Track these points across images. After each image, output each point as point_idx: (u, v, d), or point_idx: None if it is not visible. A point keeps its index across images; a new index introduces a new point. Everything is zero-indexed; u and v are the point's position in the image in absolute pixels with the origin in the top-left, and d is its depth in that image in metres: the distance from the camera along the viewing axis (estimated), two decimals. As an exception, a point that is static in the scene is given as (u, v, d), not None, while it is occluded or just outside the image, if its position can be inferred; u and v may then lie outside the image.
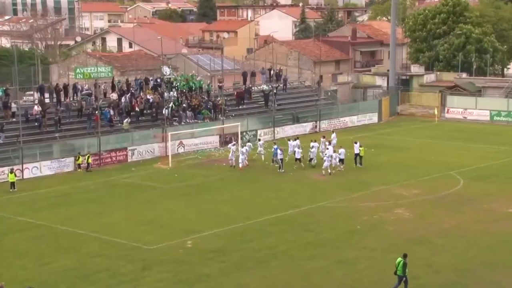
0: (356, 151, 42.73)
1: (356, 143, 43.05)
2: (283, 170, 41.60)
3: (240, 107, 57.25)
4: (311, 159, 43.01)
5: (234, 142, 45.30)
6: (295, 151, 43.14)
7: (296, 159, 42.69)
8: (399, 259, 23.05)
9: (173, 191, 37.92)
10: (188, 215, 32.93)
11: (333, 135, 47.08)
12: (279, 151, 42.10)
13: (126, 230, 30.57)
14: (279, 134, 53.57)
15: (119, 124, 48.96)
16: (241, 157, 43.07)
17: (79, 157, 43.05)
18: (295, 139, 45.46)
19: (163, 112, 49.60)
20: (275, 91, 57.95)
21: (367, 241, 28.58)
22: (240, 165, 42.56)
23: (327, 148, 42.32)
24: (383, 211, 33.20)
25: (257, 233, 29.75)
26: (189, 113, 52.06)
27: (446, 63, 72.95)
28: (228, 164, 43.54)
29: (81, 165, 43.04)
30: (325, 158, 40.89)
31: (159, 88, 53.65)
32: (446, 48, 72.83)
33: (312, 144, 43.60)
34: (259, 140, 47.85)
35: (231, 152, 43.32)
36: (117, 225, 31.45)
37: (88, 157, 43.24)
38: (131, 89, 52.64)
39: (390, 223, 31.28)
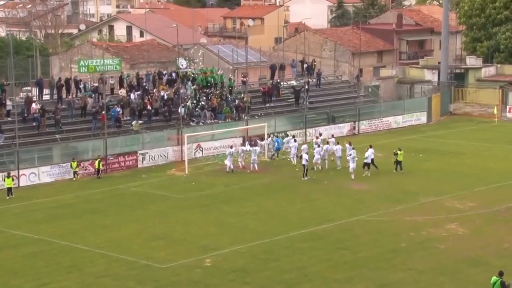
0: (370, 158, 42.93)
1: (370, 147, 43.59)
2: (307, 178, 42.03)
3: (267, 105, 57.46)
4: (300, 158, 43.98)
5: (232, 145, 46.03)
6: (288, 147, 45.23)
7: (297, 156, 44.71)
8: (494, 278, 22.69)
9: (189, 201, 38.13)
10: (207, 229, 33.10)
11: (332, 139, 47.67)
12: (302, 154, 42.69)
13: (136, 246, 30.81)
14: (311, 136, 53.45)
15: (129, 125, 49.40)
16: (252, 157, 44.15)
17: (74, 163, 43.14)
18: (291, 137, 47.38)
19: (179, 110, 49.95)
20: (307, 87, 57.97)
21: (414, 261, 28.48)
22: (253, 166, 43.91)
23: (350, 153, 42.94)
24: (433, 226, 33.06)
25: (286, 251, 29.82)
26: (208, 112, 52.51)
27: (508, 54, 72.21)
28: (253, 170, 44.00)
29: (78, 173, 43.27)
30: (348, 158, 42.20)
31: (174, 84, 54.03)
32: (508, 36, 72.11)
33: (315, 141, 45.85)
34: (293, 137, 47.99)
35: (227, 157, 44.22)
36: (125, 240, 31.70)
37: (99, 161, 43.57)
38: (143, 84, 53.10)
39: (441, 240, 31.16)
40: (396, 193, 38.97)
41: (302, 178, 42.12)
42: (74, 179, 43.06)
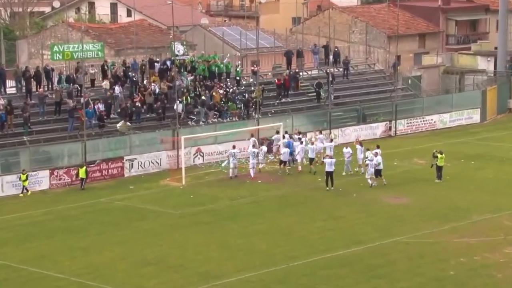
0: (360, 155, 44.54)
1: (378, 148, 44.33)
2: (330, 188, 42.17)
3: (283, 100, 57.49)
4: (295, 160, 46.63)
5: (234, 145, 46.43)
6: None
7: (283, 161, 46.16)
8: None
9: (187, 218, 38.14)
10: (208, 253, 33.08)
11: (320, 136, 48.98)
12: (325, 159, 43.11)
13: (122, 273, 30.78)
14: (338, 139, 53.50)
15: (113, 125, 49.50)
16: (251, 160, 44.87)
17: (24, 175, 42.61)
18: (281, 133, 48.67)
19: (174, 107, 50.03)
20: (331, 78, 57.97)
21: (464, 293, 28.45)
22: (252, 172, 45.05)
23: (367, 157, 43.71)
24: (489, 250, 32.94)
25: (305, 280, 29.73)
26: (210, 109, 52.59)
27: None
28: (265, 181, 44.22)
29: (27, 188, 42.79)
30: (367, 161, 43.21)
31: (168, 74, 54.14)
32: None
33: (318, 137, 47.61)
34: (300, 139, 48.12)
35: (230, 158, 44.97)
36: (108, 266, 31.67)
37: (84, 169, 43.72)
38: (130, 75, 53.23)
39: (498, 267, 31.00)
40: (442, 208, 38.88)
41: (327, 189, 42.19)
42: (22, 195, 42.66)
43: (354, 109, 57.67)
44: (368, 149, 44.80)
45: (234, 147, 46.04)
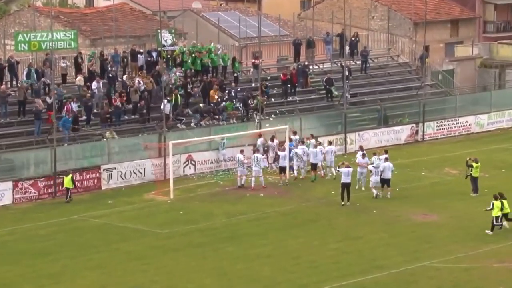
0: (361, 160, 44.81)
1: (362, 151, 45.29)
2: (346, 203, 42.31)
3: (289, 98, 57.55)
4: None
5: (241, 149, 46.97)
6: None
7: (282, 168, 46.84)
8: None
9: (176, 239, 38.09)
10: (201, 280, 32.99)
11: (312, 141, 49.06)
12: (340, 168, 43.17)
13: (98, 304, 30.78)
14: (354, 144, 53.50)
15: (88, 128, 49.52)
16: (254, 168, 45.27)
17: None
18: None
19: (161, 107, 50.06)
20: (347, 72, 57.94)
21: (506, 328, 28.39)
22: (253, 183, 45.62)
23: (372, 162, 44.25)
24: (534, 277, 32.93)
25: (317, 312, 29.70)
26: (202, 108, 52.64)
27: None
28: (271, 193, 44.29)
29: None
30: (371, 168, 43.76)
31: (154, 68, 54.09)
32: None
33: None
34: (302, 141, 48.47)
35: (241, 162, 45.47)
36: (82, 295, 31.59)
37: (70, 178, 43.76)
38: (109, 69, 53.20)
39: (546, 297, 30.97)
40: (479, 228, 38.75)
41: (342, 204, 42.27)
42: None
43: (374, 109, 57.67)
44: (375, 153, 45.13)
45: (242, 151, 46.44)
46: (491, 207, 38.05)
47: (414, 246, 36.54)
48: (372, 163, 43.97)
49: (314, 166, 47.29)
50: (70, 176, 43.84)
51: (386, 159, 43.91)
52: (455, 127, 59.39)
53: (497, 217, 38.11)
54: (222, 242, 37.43)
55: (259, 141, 49.29)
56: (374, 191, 43.32)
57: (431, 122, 58.29)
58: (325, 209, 42.25)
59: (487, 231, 38.10)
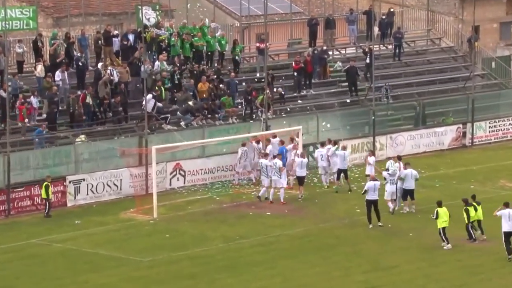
0: (369, 172, 45.63)
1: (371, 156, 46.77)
2: (378, 224, 42.51)
3: (304, 92, 57.66)
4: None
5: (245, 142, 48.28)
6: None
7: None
8: None
9: (161, 269, 37.99)
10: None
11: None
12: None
13: None
14: (385, 150, 53.67)
15: (52, 131, 49.27)
16: (273, 177, 46.13)
17: None
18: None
19: (142, 104, 50.13)
20: (366, 62, 57.91)
21: None
22: (271, 196, 46.63)
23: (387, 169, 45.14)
24: None
25: None
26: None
27: None
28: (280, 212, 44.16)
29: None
30: (385, 174, 44.62)
31: (132, 54, 53.92)
32: None
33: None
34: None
35: (264, 167, 46.44)
36: None
37: (46, 187, 44.21)
38: (77, 55, 53.10)
39: None
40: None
41: (370, 226, 42.33)
42: None
43: (410, 106, 57.91)
44: (389, 158, 45.71)
45: (266, 155, 47.21)
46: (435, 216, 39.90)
47: (460, 278, 36.41)
48: (387, 169, 44.11)
49: (339, 174, 48.06)
50: (44, 184, 44.37)
51: (407, 165, 44.06)
52: (510, 127, 59.40)
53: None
54: (218, 273, 37.30)
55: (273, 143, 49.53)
56: (391, 205, 43.64)
57: (482, 122, 58.67)
58: (348, 231, 42.29)
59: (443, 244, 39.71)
